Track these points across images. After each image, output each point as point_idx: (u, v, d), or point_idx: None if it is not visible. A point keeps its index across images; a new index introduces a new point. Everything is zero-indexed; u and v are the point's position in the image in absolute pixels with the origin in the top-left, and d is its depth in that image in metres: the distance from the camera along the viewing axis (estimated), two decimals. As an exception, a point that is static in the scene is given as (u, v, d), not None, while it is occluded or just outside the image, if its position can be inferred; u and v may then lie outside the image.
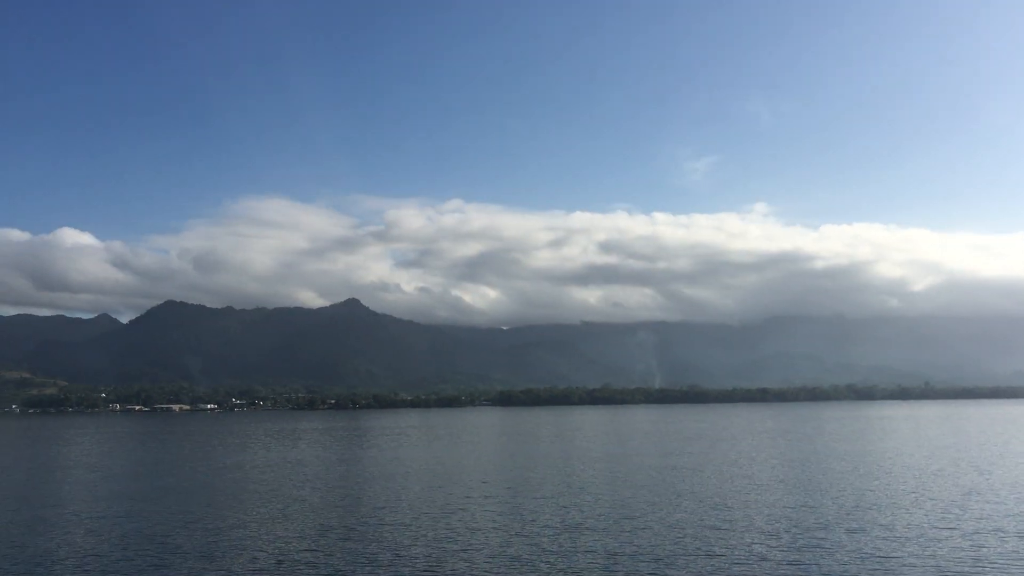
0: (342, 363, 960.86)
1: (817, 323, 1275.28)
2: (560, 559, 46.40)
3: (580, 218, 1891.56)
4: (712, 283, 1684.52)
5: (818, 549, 47.90)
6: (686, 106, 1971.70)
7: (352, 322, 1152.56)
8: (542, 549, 49.17)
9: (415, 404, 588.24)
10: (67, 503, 74.59)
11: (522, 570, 44.11)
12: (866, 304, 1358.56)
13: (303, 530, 57.42)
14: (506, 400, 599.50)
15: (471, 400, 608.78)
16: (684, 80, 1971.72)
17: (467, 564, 45.56)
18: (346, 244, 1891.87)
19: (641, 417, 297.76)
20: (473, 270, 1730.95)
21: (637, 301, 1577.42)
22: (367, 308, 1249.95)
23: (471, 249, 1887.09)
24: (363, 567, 45.29)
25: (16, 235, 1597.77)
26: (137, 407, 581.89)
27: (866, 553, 46.67)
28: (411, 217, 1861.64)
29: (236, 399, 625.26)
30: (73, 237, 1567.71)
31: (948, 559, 45.09)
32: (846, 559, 45.23)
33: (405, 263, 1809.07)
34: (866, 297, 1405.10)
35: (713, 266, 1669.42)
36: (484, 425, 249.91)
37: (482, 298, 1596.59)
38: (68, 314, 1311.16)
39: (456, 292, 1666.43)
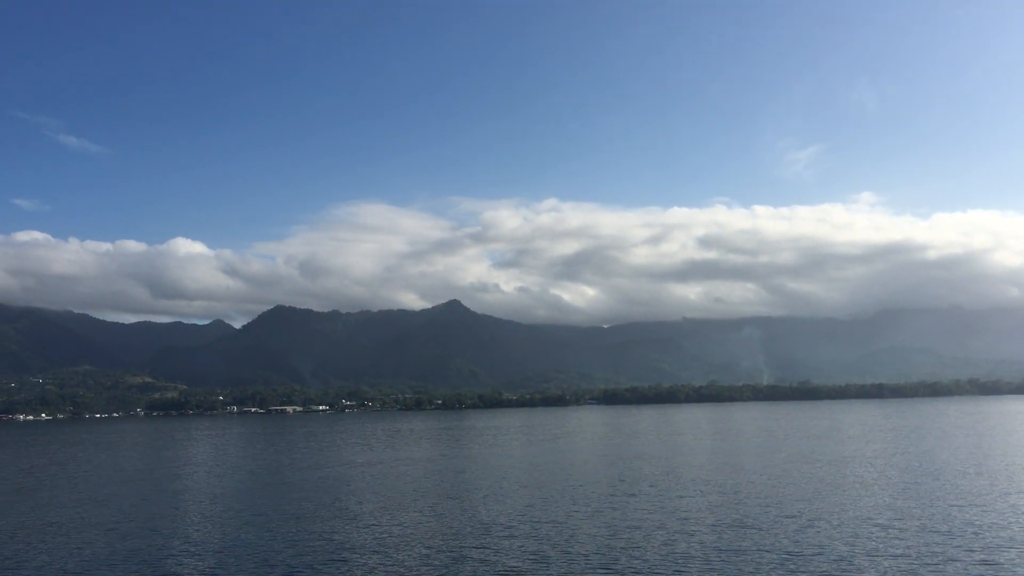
0: (445, 363, 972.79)
1: (932, 315, 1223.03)
2: (735, 556, 45.60)
3: (677, 214, 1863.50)
4: (818, 276, 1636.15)
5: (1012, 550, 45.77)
6: (787, 94, 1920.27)
7: (454, 323, 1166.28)
8: (712, 547, 48.44)
9: (520, 403, 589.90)
10: (250, 498, 77.59)
11: (700, 567, 43.48)
12: (984, 294, 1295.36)
13: (466, 526, 58.11)
14: (611, 398, 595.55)
15: (576, 399, 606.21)
16: (785, 67, 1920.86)
17: (641, 562, 45.22)
18: (444, 246, 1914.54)
19: (756, 414, 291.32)
20: (571, 269, 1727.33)
21: (739, 296, 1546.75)
22: (468, 309, 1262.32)
23: (568, 248, 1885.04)
24: (534, 563, 45.44)
25: (133, 246, 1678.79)
26: (253, 409, 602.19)
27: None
28: (507, 218, 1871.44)
29: (346, 400, 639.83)
30: (186, 247, 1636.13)
31: None
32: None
33: (503, 263, 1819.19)
34: (984, 287, 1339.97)
35: (818, 259, 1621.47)
36: (597, 423, 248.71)
37: (581, 296, 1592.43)
38: (185, 320, 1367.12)
39: (555, 291, 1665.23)
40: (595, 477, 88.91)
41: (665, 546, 49.14)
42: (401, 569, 45.13)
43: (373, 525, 60.48)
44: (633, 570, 43.39)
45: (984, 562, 43.30)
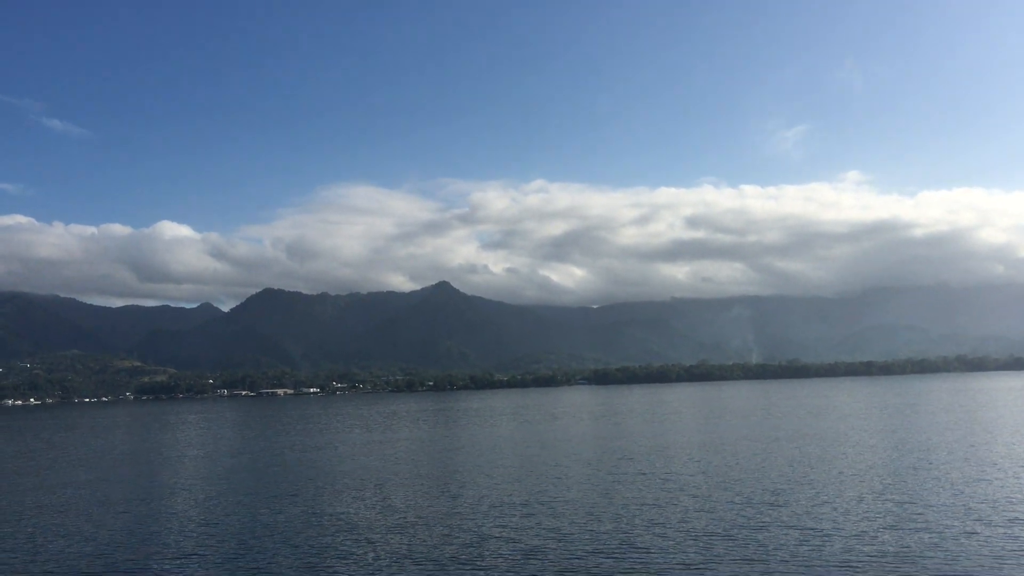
0: (435, 345, 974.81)
1: (919, 293, 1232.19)
2: (756, 532, 45.57)
3: (665, 193, 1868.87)
4: (805, 255, 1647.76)
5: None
6: (775, 75, 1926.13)
7: (443, 305, 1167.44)
8: (732, 523, 48.41)
9: (511, 384, 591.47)
10: (257, 478, 77.21)
11: (724, 543, 43.42)
12: (971, 272, 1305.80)
13: (481, 505, 57.90)
14: (602, 378, 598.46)
15: (567, 379, 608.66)
16: (773, 48, 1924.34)
17: (663, 539, 45.11)
18: (433, 228, 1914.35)
19: (748, 393, 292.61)
20: (559, 249, 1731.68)
21: (728, 276, 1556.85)
22: (457, 291, 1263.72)
23: (556, 229, 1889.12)
24: (557, 540, 45.27)
25: (119, 229, 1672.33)
26: (243, 392, 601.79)
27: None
28: (495, 199, 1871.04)
29: (337, 383, 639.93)
30: (172, 230, 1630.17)
31: None
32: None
33: (491, 245, 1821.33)
34: (970, 264, 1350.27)
35: (805, 238, 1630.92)
36: (592, 403, 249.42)
37: (570, 277, 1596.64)
38: (172, 304, 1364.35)
39: (543, 272, 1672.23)
40: (601, 455, 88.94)
41: (684, 523, 49.07)
42: (424, 548, 44.90)
43: (388, 506, 60.29)
44: (658, 547, 43.28)
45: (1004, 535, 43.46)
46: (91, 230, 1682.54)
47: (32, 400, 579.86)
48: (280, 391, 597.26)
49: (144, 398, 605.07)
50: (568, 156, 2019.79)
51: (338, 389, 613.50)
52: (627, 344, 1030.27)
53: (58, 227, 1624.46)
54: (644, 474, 72.12)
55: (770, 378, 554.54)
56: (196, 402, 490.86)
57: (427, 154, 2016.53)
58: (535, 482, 69.55)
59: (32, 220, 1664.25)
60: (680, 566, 39.27)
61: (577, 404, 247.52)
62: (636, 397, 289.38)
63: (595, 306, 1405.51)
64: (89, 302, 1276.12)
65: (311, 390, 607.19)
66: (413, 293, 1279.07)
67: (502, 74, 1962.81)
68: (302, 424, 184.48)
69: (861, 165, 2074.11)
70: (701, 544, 43.56)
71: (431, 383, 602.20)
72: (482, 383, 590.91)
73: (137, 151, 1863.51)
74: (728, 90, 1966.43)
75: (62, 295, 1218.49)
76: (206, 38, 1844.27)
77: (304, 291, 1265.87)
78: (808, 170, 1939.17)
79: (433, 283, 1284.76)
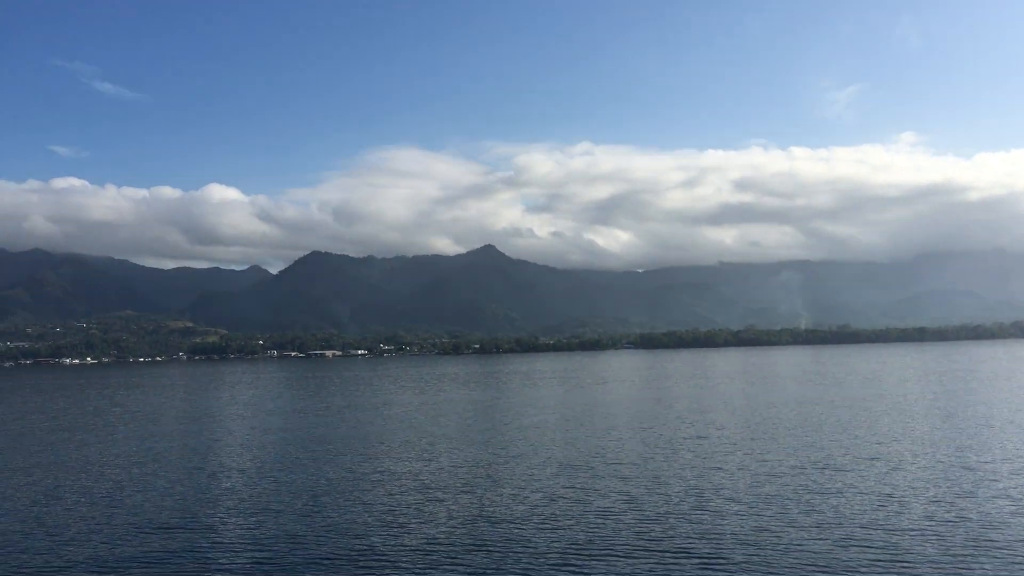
0: (481, 308, 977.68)
1: (975, 258, 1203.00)
2: (830, 498, 45.07)
3: (713, 156, 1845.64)
4: (856, 219, 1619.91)
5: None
6: (829, 33, 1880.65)
7: (489, 268, 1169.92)
8: (805, 489, 47.93)
9: (557, 348, 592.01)
10: (332, 439, 78.49)
11: (799, 508, 43.00)
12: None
13: (548, 467, 58.10)
14: (648, 343, 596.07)
15: (613, 343, 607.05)
16: (827, 5, 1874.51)
17: (735, 503, 44.81)
18: (477, 191, 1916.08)
19: (799, 358, 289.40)
20: (604, 213, 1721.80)
21: (776, 240, 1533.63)
22: (502, 254, 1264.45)
23: (601, 192, 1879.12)
24: (627, 503, 45.25)
25: (168, 192, 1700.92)
26: (292, 353, 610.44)
27: None
28: (540, 162, 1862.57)
29: (384, 345, 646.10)
30: (220, 192, 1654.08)
31: None
32: None
33: (536, 208, 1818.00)
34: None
35: (857, 201, 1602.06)
36: (640, 367, 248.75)
37: (615, 241, 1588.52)
38: (222, 266, 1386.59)
39: (588, 235, 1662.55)
40: (657, 418, 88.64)
41: (753, 488, 48.67)
42: (496, 508, 45.17)
43: (454, 465, 60.76)
44: (732, 511, 43.01)
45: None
46: (142, 192, 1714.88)
47: (88, 359, 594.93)
48: (329, 353, 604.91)
49: (196, 358, 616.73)
50: (614, 118, 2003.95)
51: (385, 351, 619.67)
52: (673, 308, 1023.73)
53: (110, 189, 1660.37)
54: (703, 437, 71.84)
55: (819, 344, 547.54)
56: (248, 363, 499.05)
57: (471, 116, 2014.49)
58: (597, 444, 69.61)
59: (85, 183, 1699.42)
60: (756, 530, 38.95)
61: (626, 368, 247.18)
62: (684, 361, 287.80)
63: (640, 270, 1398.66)
64: (142, 264, 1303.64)
65: (359, 352, 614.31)
66: (459, 256, 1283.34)
67: (547, 34, 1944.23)
68: (355, 385, 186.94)
69: (916, 126, 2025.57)
70: (776, 508, 43.16)
71: (477, 346, 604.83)
72: (528, 346, 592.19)
73: (186, 114, 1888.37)
74: (780, 49, 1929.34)
75: (116, 257, 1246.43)
76: (254, 3, 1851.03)
77: (351, 254, 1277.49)
78: (860, 131, 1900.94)
79: (478, 246, 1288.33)
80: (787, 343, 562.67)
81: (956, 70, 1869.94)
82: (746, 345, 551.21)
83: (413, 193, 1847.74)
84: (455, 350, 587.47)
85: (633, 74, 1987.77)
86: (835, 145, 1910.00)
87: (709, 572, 32.97)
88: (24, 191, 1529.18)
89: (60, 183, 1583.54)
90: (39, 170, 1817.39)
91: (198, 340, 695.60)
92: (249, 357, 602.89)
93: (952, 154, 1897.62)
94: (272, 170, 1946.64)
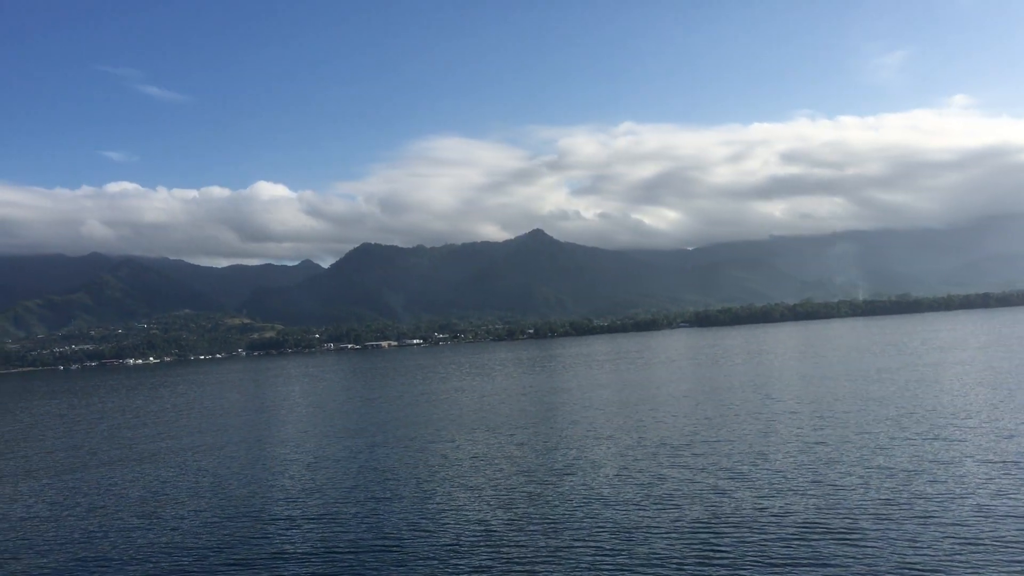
0: (532, 293, 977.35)
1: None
2: (953, 467, 43.80)
3: (758, 129, 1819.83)
4: (910, 186, 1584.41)
5: None
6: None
7: (538, 252, 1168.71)
8: (924, 459, 46.67)
9: (611, 329, 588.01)
10: (416, 425, 78.83)
11: (912, 478, 41.81)
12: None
13: (640, 447, 57.49)
14: (703, 320, 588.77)
15: (668, 323, 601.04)
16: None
17: (847, 476, 43.77)
18: (522, 176, 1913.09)
19: (862, 330, 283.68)
20: (651, 192, 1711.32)
21: (828, 211, 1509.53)
22: (551, 238, 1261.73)
23: (647, 171, 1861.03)
24: (733, 479, 44.46)
25: (218, 191, 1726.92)
26: (349, 345, 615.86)
27: None
28: (584, 144, 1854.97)
29: (439, 333, 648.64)
30: (268, 190, 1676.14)
31: None
32: None
33: (581, 190, 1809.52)
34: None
35: (909, 168, 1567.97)
36: (703, 345, 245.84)
37: (663, 219, 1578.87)
38: (275, 262, 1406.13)
39: (636, 216, 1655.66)
40: (740, 395, 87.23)
41: (864, 460, 47.63)
42: (605, 489, 44.68)
43: (551, 447, 60.45)
44: (848, 484, 42.03)
45: None
46: (192, 193, 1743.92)
47: (151, 359, 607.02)
48: (384, 343, 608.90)
49: (256, 354, 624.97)
50: (656, 95, 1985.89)
51: (440, 340, 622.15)
52: (725, 285, 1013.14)
53: (162, 192, 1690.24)
54: (794, 412, 70.64)
55: (879, 314, 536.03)
56: (306, 356, 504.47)
57: (512, 101, 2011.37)
58: (686, 423, 68.82)
59: (137, 186, 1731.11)
60: (883, 503, 37.89)
61: (687, 346, 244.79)
62: (745, 338, 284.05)
63: (690, 248, 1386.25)
64: (196, 263, 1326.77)
65: (414, 341, 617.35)
66: (507, 242, 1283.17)
67: (585, 13, 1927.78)
68: (421, 373, 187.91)
69: (967, 88, 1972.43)
70: (897, 481, 42.07)
71: (531, 331, 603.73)
72: (582, 329, 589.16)
73: (231, 114, 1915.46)
74: (823, 15, 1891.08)
75: (171, 257, 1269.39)
76: (293, 1, 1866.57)
77: (400, 244, 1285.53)
78: (910, 97, 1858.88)
79: (526, 231, 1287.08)
80: (846, 315, 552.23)
81: (1007, 28, 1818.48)
82: (804, 319, 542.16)
83: (458, 181, 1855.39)
84: (509, 336, 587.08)
85: (673, 50, 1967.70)
86: (884, 112, 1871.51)
87: (850, 548, 32.08)
88: (79, 197, 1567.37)
89: (113, 188, 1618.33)
90: (93, 176, 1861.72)
91: (256, 336, 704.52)
92: (307, 351, 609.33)
93: (1007, 115, 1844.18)
94: (317, 165, 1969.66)
